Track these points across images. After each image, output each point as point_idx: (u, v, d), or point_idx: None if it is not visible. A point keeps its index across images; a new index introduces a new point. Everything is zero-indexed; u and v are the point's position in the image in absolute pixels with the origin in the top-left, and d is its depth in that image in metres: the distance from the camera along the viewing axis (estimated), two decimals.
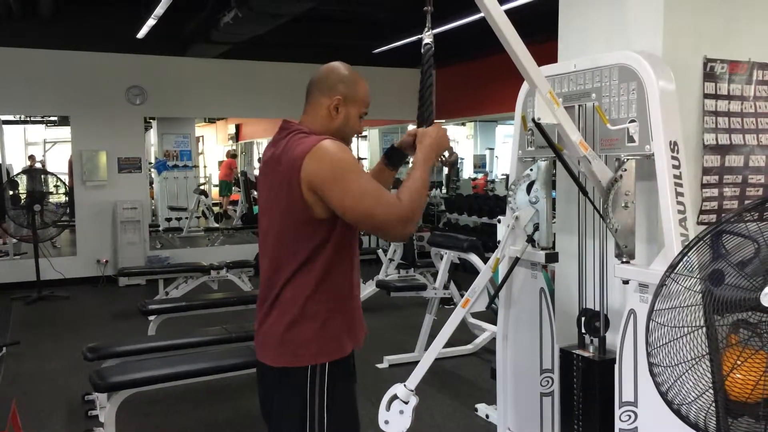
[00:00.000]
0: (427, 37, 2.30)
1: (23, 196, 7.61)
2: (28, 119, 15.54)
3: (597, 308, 2.75)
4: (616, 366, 2.46)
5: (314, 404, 1.92)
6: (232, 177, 14.90)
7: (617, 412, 2.47)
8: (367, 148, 14.67)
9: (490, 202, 8.92)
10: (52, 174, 8.00)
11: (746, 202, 2.63)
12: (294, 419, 1.94)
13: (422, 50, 2.27)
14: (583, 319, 2.77)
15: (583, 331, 2.78)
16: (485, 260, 4.70)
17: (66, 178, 8.59)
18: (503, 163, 15.21)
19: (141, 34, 7.37)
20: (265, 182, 2.04)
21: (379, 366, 4.98)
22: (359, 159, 12.20)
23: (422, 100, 2.27)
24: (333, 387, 1.94)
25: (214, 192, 15.27)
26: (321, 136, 1.92)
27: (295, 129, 1.98)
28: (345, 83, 2.00)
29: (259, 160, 16.81)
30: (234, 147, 17.82)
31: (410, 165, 2.01)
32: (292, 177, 1.87)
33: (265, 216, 2.04)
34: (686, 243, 1.63)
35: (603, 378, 2.60)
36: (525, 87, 2.96)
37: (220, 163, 16.38)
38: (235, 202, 14.08)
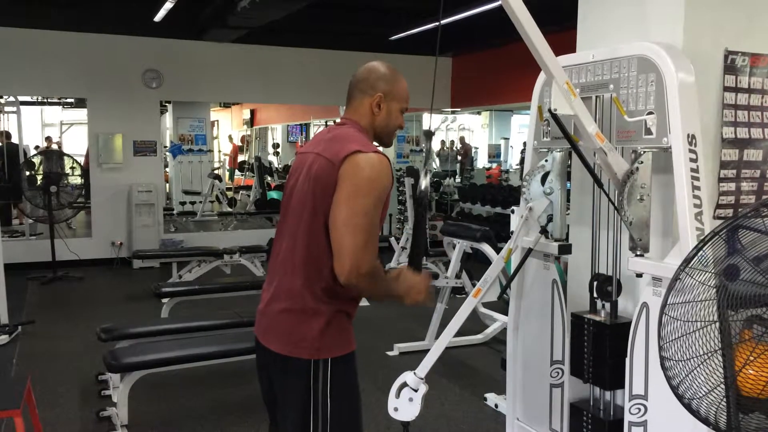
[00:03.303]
0: (424, 183, 2.08)
1: (40, 177, 7.67)
2: (45, 101, 15.64)
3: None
4: (627, 360, 2.46)
5: (318, 392, 1.94)
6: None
7: (627, 405, 2.47)
8: None
9: (503, 192, 8.90)
10: (68, 155, 8.05)
11: (764, 197, 2.60)
12: (297, 406, 1.96)
13: (418, 194, 2.07)
14: (595, 283, 2.76)
15: (595, 295, 2.78)
16: (498, 250, 4.69)
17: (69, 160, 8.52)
18: (518, 153, 15.14)
19: (158, 17, 7.37)
20: (306, 163, 2.02)
21: (390, 353, 5.00)
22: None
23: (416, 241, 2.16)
24: (336, 378, 1.96)
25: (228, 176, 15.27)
26: (372, 146, 1.96)
27: (349, 124, 2.04)
28: (385, 80, 2.04)
29: (274, 146, 16.83)
30: (249, 132, 17.83)
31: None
32: (333, 166, 1.89)
33: (298, 196, 2.00)
34: (702, 237, 1.61)
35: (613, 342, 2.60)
36: (542, 77, 2.94)
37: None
38: (248, 188, 14.09)
